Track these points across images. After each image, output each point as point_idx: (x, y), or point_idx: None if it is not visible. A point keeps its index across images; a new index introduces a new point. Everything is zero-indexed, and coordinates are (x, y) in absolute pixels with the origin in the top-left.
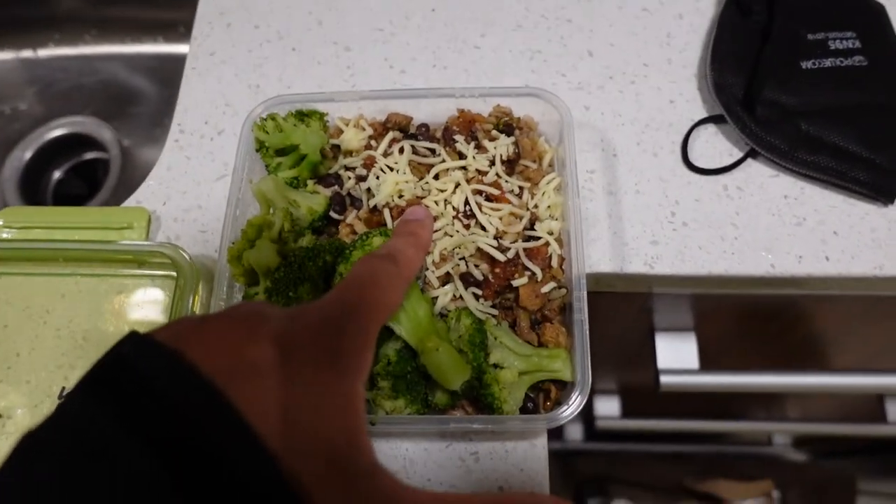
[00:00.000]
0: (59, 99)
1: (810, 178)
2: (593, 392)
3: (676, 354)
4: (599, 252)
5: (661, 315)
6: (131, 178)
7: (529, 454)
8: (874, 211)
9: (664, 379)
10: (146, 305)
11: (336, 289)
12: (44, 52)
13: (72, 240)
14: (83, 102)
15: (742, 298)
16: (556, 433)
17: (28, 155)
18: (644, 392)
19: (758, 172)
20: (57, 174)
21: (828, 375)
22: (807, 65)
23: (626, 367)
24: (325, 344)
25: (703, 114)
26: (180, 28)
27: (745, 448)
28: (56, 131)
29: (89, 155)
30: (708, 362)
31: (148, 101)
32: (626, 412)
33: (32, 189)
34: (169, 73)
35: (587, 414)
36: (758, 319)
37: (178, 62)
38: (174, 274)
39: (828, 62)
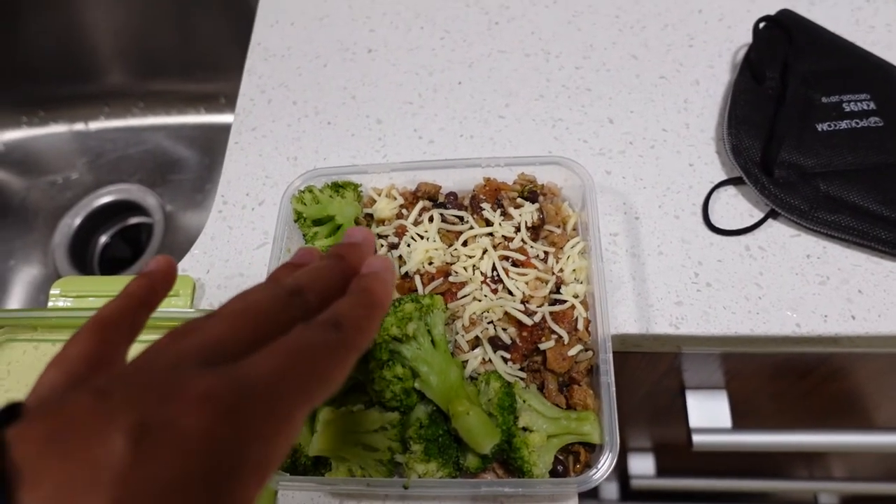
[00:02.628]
0: (107, 168)
1: (832, 238)
2: (626, 450)
3: (708, 413)
4: (625, 313)
5: (690, 373)
6: (173, 242)
7: None
8: None
9: (697, 438)
10: None
11: (260, 357)
12: (94, 125)
13: None
14: (130, 171)
15: (772, 356)
16: (590, 493)
17: (77, 222)
18: (678, 449)
19: (779, 232)
20: (103, 239)
21: (865, 434)
22: (822, 127)
23: (659, 424)
24: (201, 462)
25: (722, 176)
26: (221, 99)
27: None
28: (104, 198)
29: (134, 220)
30: (741, 420)
31: (190, 169)
32: (662, 470)
33: (80, 253)
34: (210, 141)
35: (622, 473)
36: (789, 376)
37: (218, 131)
38: None
39: (843, 124)
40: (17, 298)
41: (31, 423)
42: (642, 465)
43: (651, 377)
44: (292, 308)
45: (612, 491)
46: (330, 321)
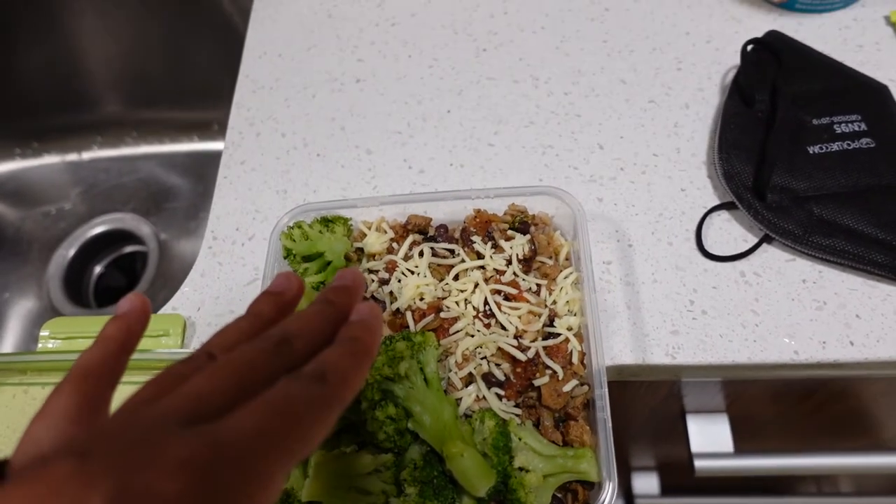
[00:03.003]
0: (101, 198)
1: (828, 262)
2: (630, 469)
3: (709, 437)
4: (620, 343)
5: (690, 398)
6: (168, 270)
7: None
8: (895, 292)
9: (699, 463)
10: None
11: (240, 415)
12: (87, 155)
13: None
14: (124, 200)
15: (771, 381)
16: None
17: (72, 252)
18: (682, 468)
19: (774, 257)
20: (98, 269)
21: (870, 456)
22: (814, 150)
23: (661, 445)
24: None
25: (715, 201)
26: (214, 126)
27: None
28: (98, 228)
29: (128, 248)
30: (743, 442)
31: (184, 196)
32: (666, 489)
33: (75, 284)
34: (203, 168)
35: (626, 492)
36: (790, 399)
37: (212, 158)
38: None
39: (835, 146)
40: (12, 331)
41: (17, 485)
42: (647, 485)
43: (651, 401)
44: (278, 358)
45: None
46: (315, 374)
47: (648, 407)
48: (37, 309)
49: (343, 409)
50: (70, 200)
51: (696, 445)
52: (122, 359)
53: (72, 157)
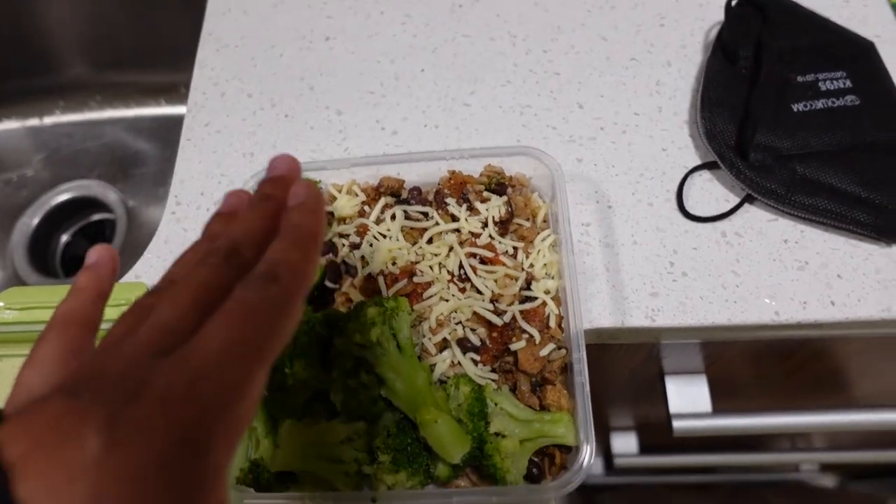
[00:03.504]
0: (65, 164)
1: (810, 221)
2: (609, 429)
3: (688, 398)
4: (599, 306)
5: (669, 360)
6: (137, 238)
7: None
8: (877, 251)
9: (677, 424)
10: None
11: (209, 328)
12: (49, 120)
13: None
14: (89, 166)
15: (751, 342)
16: None
17: (36, 221)
18: (660, 428)
19: (755, 217)
20: (64, 237)
21: (845, 413)
22: (798, 107)
23: (640, 406)
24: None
25: (697, 160)
26: (181, 89)
27: (770, 476)
28: (63, 195)
29: (96, 216)
30: (721, 403)
31: (151, 162)
32: (645, 448)
33: (41, 254)
34: (170, 133)
35: (605, 451)
36: (770, 360)
37: (179, 122)
38: None
39: (819, 103)
40: None
41: (14, 426)
42: (626, 444)
43: (630, 364)
44: (231, 270)
45: (597, 467)
46: (267, 274)
47: (627, 369)
48: (1, 279)
49: (301, 300)
50: (32, 167)
51: (674, 406)
52: (98, 306)
53: (33, 121)
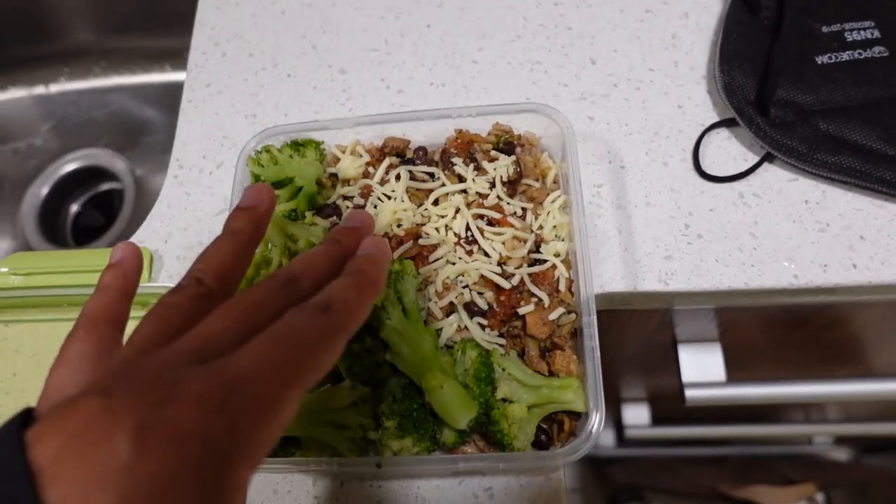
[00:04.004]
0: (72, 133)
1: (832, 181)
2: (621, 401)
3: (701, 366)
4: (611, 270)
5: (683, 327)
6: (145, 207)
7: (545, 489)
8: None
9: (689, 393)
10: None
11: (249, 348)
12: (55, 88)
13: (73, 285)
14: (96, 135)
15: (767, 308)
16: None
17: (45, 190)
18: (673, 399)
19: (775, 177)
20: (74, 207)
21: (861, 382)
22: (822, 59)
23: (652, 376)
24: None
25: (714, 118)
26: (186, 55)
27: (783, 449)
28: (71, 165)
29: (105, 186)
30: (735, 373)
31: (158, 130)
32: (656, 419)
33: (51, 224)
34: (177, 100)
35: (616, 422)
36: (785, 327)
37: None
38: None
39: (845, 55)
40: None
41: (46, 426)
42: (637, 415)
43: (643, 331)
44: (285, 297)
45: (608, 438)
46: (320, 304)
47: (639, 337)
48: (12, 249)
49: (347, 338)
50: (40, 136)
51: (687, 375)
52: (125, 304)
53: (39, 90)
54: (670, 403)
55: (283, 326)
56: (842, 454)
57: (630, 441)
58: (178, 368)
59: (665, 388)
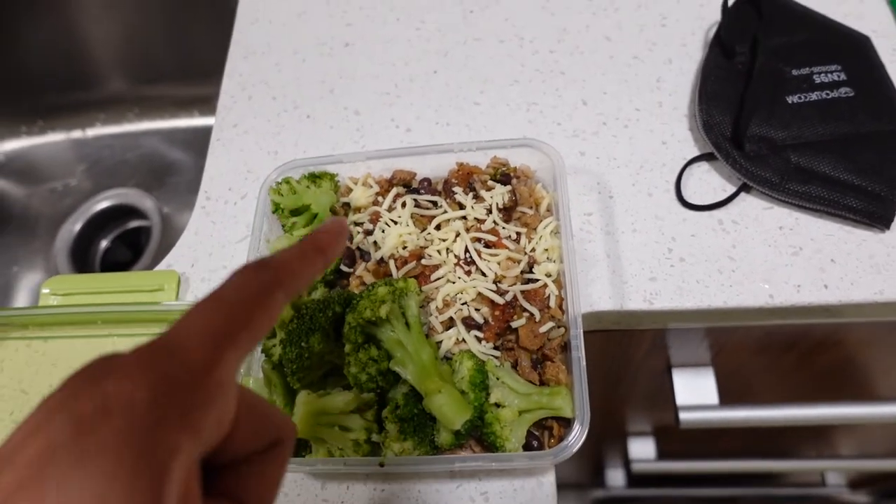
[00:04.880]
0: (105, 174)
1: (804, 209)
2: (627, 434)
3: (695, 390)
4: (600, 291)
5: (675, 351)
6: (171, 243)
7: (537, 492)
8: (871, 237)
9: (683, 416)
10: None
11: (185, 316)
12: (91, 132)
13: (106, 304)
14: (127, 175)
15: (752, 330)
16: (597, 481)
17: (77, 227)
18: (676, 432)
19: (751, 206)
20: (104, 243)
21: (858, 406)
22: (793, 99)
23: (654, 407)
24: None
25: (695, 152)
26: (213, 101)
27: (796, 490)
28: (102, 203)
29: (133, 223)
30: (729, 396)
31: (185, 171)
32: (663, 453)
33: (81, 258)
34: (203, 143)
35: (625, 460)
36: (773, 350)
37: (211, 133)
38: None
39: (814, 95)
40: (21, 304)
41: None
42: (643, 450)
43: (636, 355)
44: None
45: (618, 478)
46: (259, 261)
47: (634, 363)
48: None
49: (286, 297)
50: (75, 177)
51: (681, 399)
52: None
53: (76, 134)
54: (676, 436)
55: (219, 288)
56: (858, 497)
57: (639, 478)
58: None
59: (667, 419)
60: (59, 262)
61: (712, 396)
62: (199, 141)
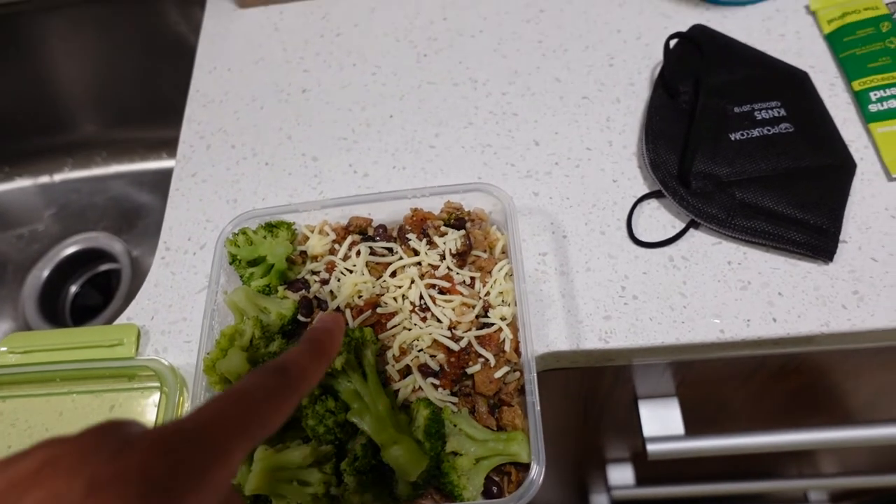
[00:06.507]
0: (73, 218)
1: (751, 243)
2: (605, 461)
3: (661, 421)
4: (556, 331)
5: (640, 382)
6: (141, 285)
7: None
8: (815, 269)
9: (651, 447)
10: (136, 417)
11: (205, 405)
12: (59, 177)
13: (65, 360)
14: (95, 219)
15: (710, 362)
16: None
17: (46, 273)
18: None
19: (700, 241)
20: (73, 288)
21: (818, 431)
22: (735, 136)
23: (625, 436)
24: (152, 473)
25: (645, 190)
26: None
27: None
28: (71, 248)
29: (103, 267)
30: (696, 425)
31: (153, 213)
32: (642, 479)
33: (51, 304)
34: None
35: (606, 485)
36: (735, 380)
37: None
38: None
39: (756, 132)
40: None
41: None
42: (622, 476)
43: (602, 388)
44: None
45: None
46: (277, 366)
47: (601, 395)
48: (12, 330)
49: (298, 401)
50: (43, 222)
51: (648, 430)
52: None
53: (44, 179)
54: (651, 462)
55: (239, 384)
56: None
57: None
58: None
59: (640, 446)
60: (27, 309)
61: (678, 426)
62: (167, 183)
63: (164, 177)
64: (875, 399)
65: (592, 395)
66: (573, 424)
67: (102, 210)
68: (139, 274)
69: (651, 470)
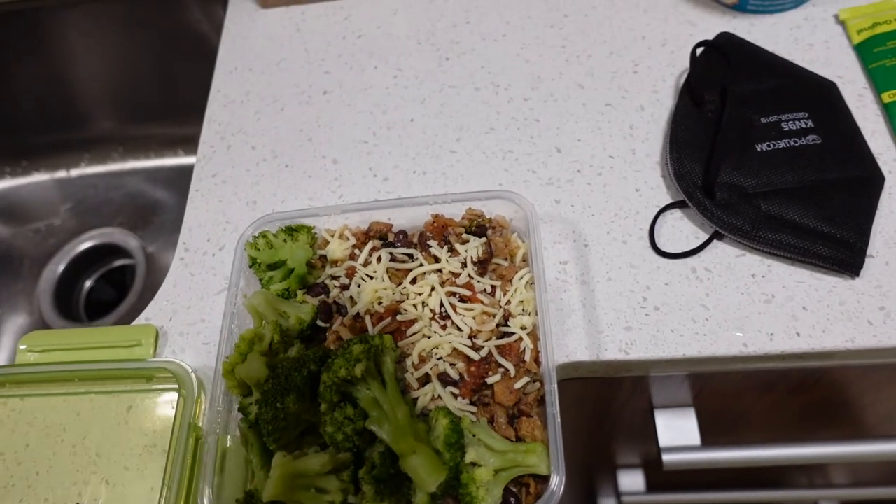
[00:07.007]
0: (89, 213)
1: (776, 256)
2: (616, 467)
3: (677, 431)
4: (576, 341)
5: (656, 392)
6: (155, 281)
7: None
8: (841, 284)
9: (666, 457)
10: (154, 418)
11: None
12: (76, 172)
13: (84, 360)
14: (111, 215)
15: (731, 374)
16: None
17: (61, 268)
18: (662, 464)
19: (724, 253)
20: (88, 283)
21: (835, 445)
22: (762, 147)
23: (639, 443)
24: None
25: (668, 199)
26: (197, 140)
27: None
28: (87, 243)
29: (118, 262)
30: (712, 435)
31: (169, 210)
32: (652, 486)
33: (66, 299)
34: (187, 182)
35: (615, 491)
36: (753, 392)
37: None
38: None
39: (782, 143)
40: (4, 347)
41: None
42: (632, 482)
43: (618, 398)
44: None
45: None
46: None
47: (618, 403)
48: (28, 324)
49: None
50: (59, 216)
51: (664, 440)
52: None
53: (60, 174)
54: (662, 469)
55: None
56: None
57: None
58: None
59: (653, 454)
60: (42, 303)
61: (694, 437)
62: (182, 180)
63: (180, 173)
64: (893, 414)
65: (608, 404)
66: (585, 430)
67: (118, 206)
68: (153, 270)
69: (662, 477)
